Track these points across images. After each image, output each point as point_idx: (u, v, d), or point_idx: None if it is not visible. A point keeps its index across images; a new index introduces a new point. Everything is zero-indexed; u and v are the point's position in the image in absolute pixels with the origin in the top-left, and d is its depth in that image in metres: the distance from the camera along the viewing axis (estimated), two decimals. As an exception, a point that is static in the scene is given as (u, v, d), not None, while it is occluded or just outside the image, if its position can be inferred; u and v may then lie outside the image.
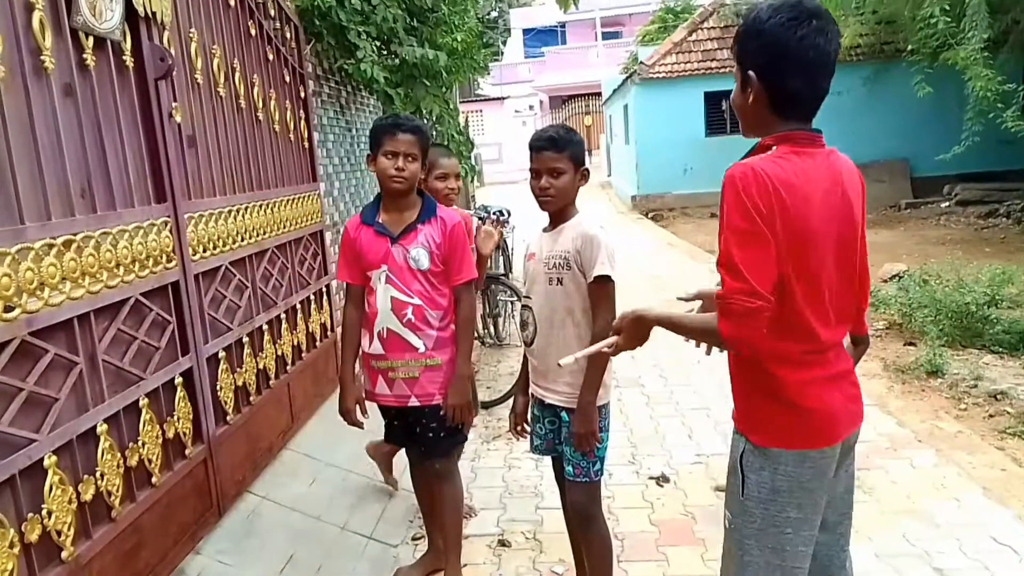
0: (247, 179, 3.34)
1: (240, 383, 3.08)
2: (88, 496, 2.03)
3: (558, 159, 2.32)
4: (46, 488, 1.87)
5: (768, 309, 1.47)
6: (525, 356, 2.56)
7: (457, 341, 2.68)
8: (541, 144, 2.35)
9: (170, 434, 2.50)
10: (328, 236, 4.48)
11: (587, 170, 2.41)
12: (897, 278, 6.98)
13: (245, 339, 3.15)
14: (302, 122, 4.18)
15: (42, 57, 1.96)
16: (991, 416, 4.16)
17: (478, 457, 3.99)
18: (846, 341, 1.75)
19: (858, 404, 1.70)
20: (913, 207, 12.88)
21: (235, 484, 2.97)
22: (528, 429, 2.59)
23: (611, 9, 32.45)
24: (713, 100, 14.80)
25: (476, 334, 3.57)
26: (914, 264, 7.57)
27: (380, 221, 2.66)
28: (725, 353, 1.69)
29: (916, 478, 3.49)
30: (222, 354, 2.92)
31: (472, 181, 10.60)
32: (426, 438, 2.71)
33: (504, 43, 36.10)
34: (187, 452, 2.62)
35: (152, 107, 2.53)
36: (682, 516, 3.30)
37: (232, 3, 3.31)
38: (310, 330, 4.01)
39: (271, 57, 3.75)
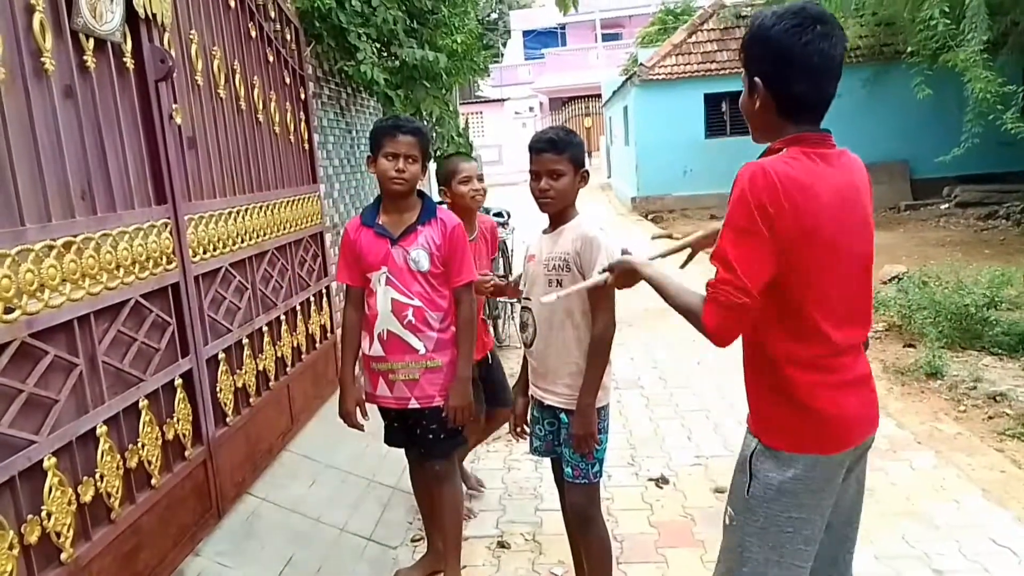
0: (247, 181, 3.34)
1: (240, 385, 3.09)
2: (88, 498, 2.04)
3: (558, 161, 2.32)
4: (46, 490, 1.87)
5: (753, 308, 1.51)
6: (525, 358, 2.56)
7: (457, 343, 2.68)
8: (541, 146, 2.35)
9: (170, 436, 2.50)
10: (328, 238, 4.48)
11: (587, 172, 2.41)
12: (897, 280, 6.97)
13: (245, 341, 3.15)
14: (302, 124, 4.19)
15: (42, 59, 1.97)
16: (990, 418, 4.16)
17: (477, 459, 3.99)
18: None
19: (874, 409, 1.70)
20: (913, 209, 12.89)
21: (234, 486, 2.97)
22: (527, 430, 2.60)
23: (611, 11, 32.47)
24: (713, 102, 14.81)
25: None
26: (914, 266, 7.57)
27: (380, 223, 2.66)
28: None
29: (915, 480, 3.49)
30: (222, 356, 2.92)
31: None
32: (426, 440, 2.71)
33: (504, 45, 36.13)
34: (187, 454, 2.62)
35: (152, 109, 2.53)
36: (681, 518, 3.30)
37: (232, 5, 3.31)
38: (310, 332, 4.01)
39: (271, 59, 3.76)
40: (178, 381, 2.59)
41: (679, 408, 4.66)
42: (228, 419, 2.95)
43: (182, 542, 2.54)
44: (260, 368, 3.30)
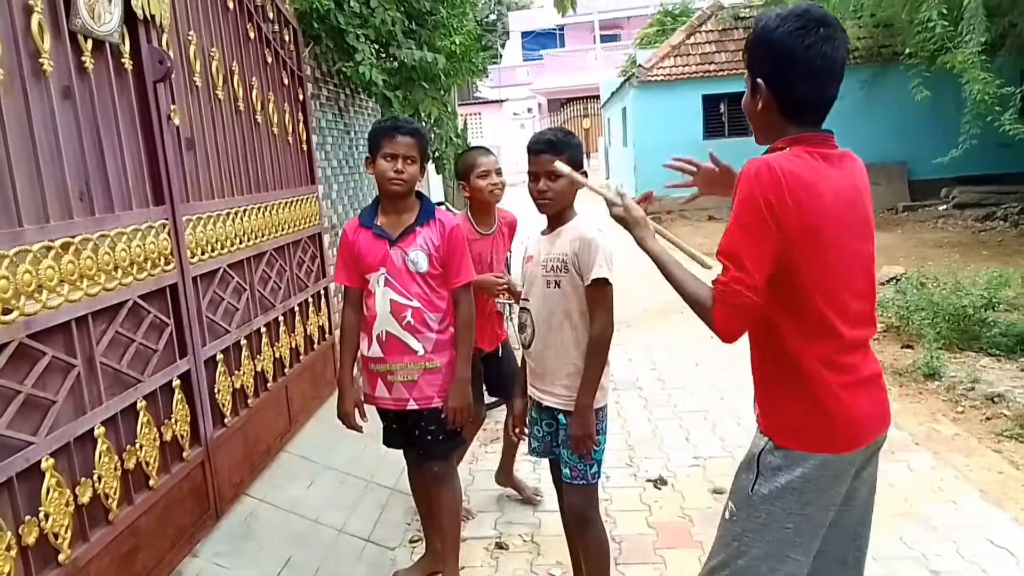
0: (245, 181, 3.34)
1: (238, 385, 3.08)
2: (85, 499, 2.03)
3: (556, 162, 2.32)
4: (43, 491, 1.87)
5: (760, 306, 1.52)
6: (523, 358, 2.56)
7: (456, 344, 2.68)
8: (539, 147, 2.36)
9: (168, 437, 2.50)
10: (326, 239, 4.48)
11: (585, 173, 2.41)
12: (895, 281, 6.99)
13: (243, 341, 3.15)
14: (301, 125, 4.19)
15: (41, 60, 1.97)
16: (988, 419, 4.17)
17: (476, 460, 3.99)
18: None
19: (884, 408, 1.70)
20: (911, 210, 12.91)
21: (233, 487, 2.96)
22: (526, 431, 2.60)
23: (609, 12, 32.50)
24: (711, 103, 14.82)
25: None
26: (912, 267, 7.58)
27: (379, 224, 2.66)
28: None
29: (913, 480, 3.50)
30: (220, 356, 2.92)
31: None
32: (424, 441, 2.71)
33: (502, 46, 36.11)
34: (185, 455, 2.61)
35: (151, 110, 2.53)
36: (679, 519, 3.30)
37: (231, 6, 3.31)
38: (308, 333, 4.00)
39: (270, 60, 3.76)
40: (176, 382, 2.59)
41: (677, 409, 4.66)
42: (226, 420, 2.95)
43: (180, 543, 2.53)
44: (258, 369, 3.30)
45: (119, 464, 2.21)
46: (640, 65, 15.58)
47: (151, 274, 2.44)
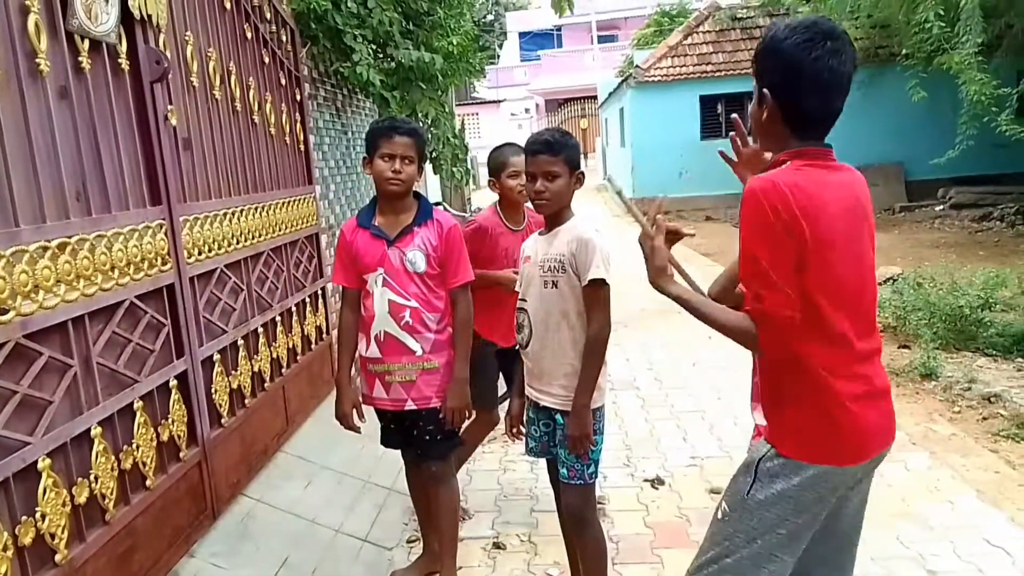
0: (243, 182, 3.34)
1: (235, 386, 3.08)
2: (82, 499, 2.03)
3: (553, 163, 2.33)
4: (40, 491, 1.87)
5: (800, 317, 1.52)
6: (520, 358, 2.56)
7: (455, 344, 2.68)
8: (536, 148, 2.36)
9: (164, 437, 2.50)
10: (324, 239, 4.48)
11: (582, 173, 2.42)
12: (891, 281, 7.00)
13: (240, 342, 3.14)
14: (298, 125, 4.19)
15: (37, 60, 1.96)
16: (985, 419, 4.18)
17: (473, 460, 3.99)
18: None
19: (891, 422, 1.71)
20: (907, 210, 12.94)
21: (229, 487, 2.96)
22: (523, 431, 2.60)
23: (607, 13, 32.55)
24: (708, 104, 14.85)
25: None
26: (908, 267, 7.59)
27: (376, 224, 2.66)
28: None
29: (910, 481, 3.50)
30: (217, 357, 2.91)
31: (467, 184, 10.60)
32: (422, 441, 2.71)
33: (500, 46, 36.11)
34: (181, 455, 2.61)
35: (148, 110, 2.53)
36: (677, 519, 3.30)
37: (228, 6, 3.31)
38: (305, 333, 4.00)
39: (267, 60, 3.76)
40: (173, 382, 2.58)
41: (675, 409, 4.66)
42: (223, 420, 2.94)
43: (177, 543, 2.53)
44: (255, 369, 3.30)
45: (116, 464, 2.20)
46: (637, 66, 15.61)
47: (148, 274, 2.43)
